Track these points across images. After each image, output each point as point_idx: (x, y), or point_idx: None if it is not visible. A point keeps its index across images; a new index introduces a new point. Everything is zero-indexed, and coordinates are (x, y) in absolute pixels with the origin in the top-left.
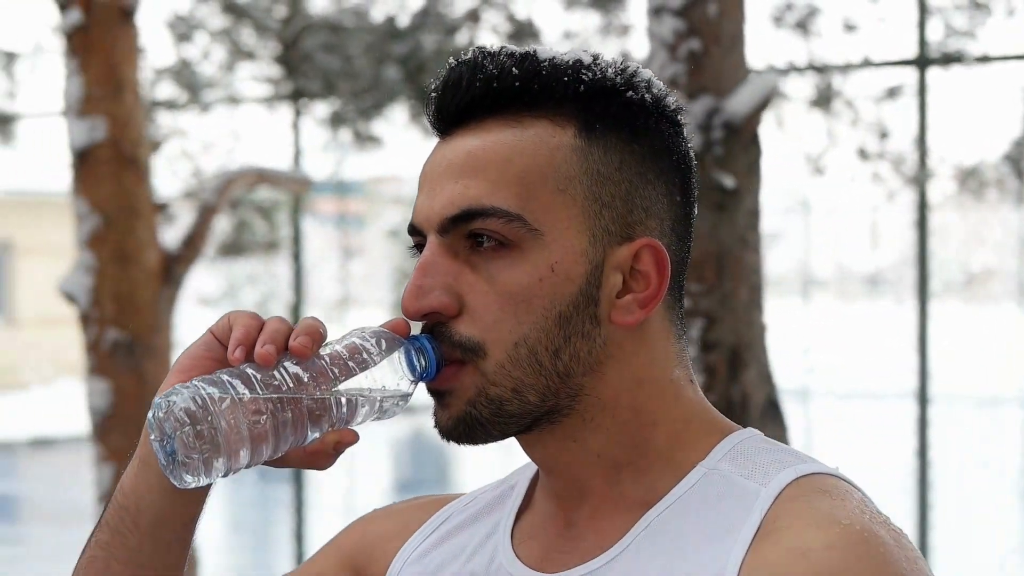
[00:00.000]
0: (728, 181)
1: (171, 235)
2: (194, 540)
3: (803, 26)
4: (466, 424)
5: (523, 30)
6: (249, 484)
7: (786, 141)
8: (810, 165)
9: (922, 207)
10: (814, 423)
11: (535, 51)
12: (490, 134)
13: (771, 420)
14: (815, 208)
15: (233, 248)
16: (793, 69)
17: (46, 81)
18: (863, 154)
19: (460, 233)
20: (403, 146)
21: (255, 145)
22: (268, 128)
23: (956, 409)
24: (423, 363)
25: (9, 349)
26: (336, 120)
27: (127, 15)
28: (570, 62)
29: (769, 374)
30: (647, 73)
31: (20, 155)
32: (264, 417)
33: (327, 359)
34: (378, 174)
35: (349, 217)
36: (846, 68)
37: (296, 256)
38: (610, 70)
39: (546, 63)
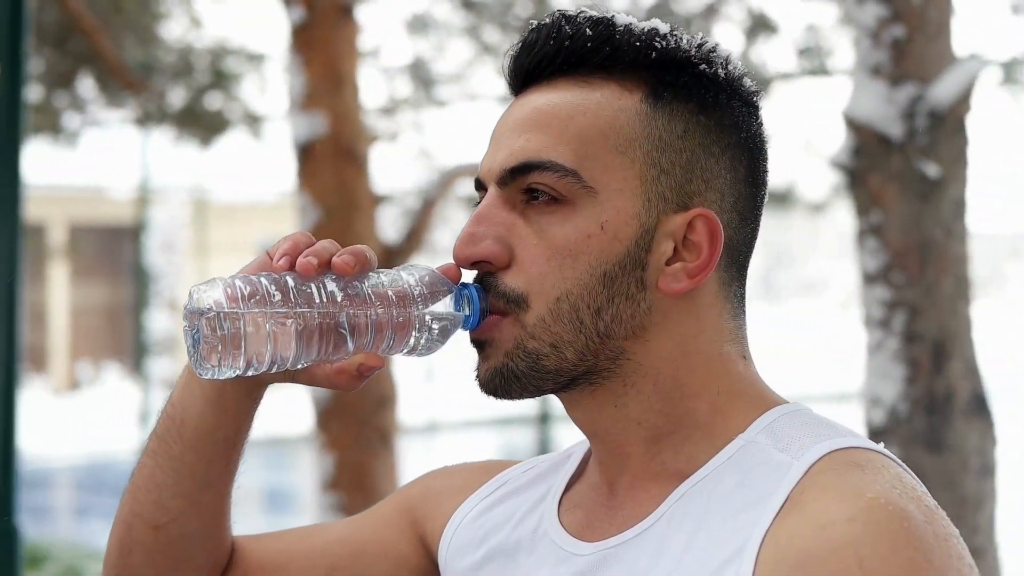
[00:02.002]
0: (932, 170)
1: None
2: (241, 462)
3: None
4: (502, 376)
5: (760, 24)
6: None
7: None
8: None
9: None
10: None
11: (613, 16)
12: (558, 92)
13: (976, 415)
14: None
15: None
16: None
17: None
18: None
19: (518, 186)
20: None
21: None
22: None
23: None
24: (467, 311)
25: None
26: None
27: (347, 12)
28: (645, 29)
29: (976, 368)
30: (726, 51)
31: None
32: (290, 322)
33: (368, 286)
34: None
35: None
36: None
37: None
38: (685, 42)
39: (621, 28)
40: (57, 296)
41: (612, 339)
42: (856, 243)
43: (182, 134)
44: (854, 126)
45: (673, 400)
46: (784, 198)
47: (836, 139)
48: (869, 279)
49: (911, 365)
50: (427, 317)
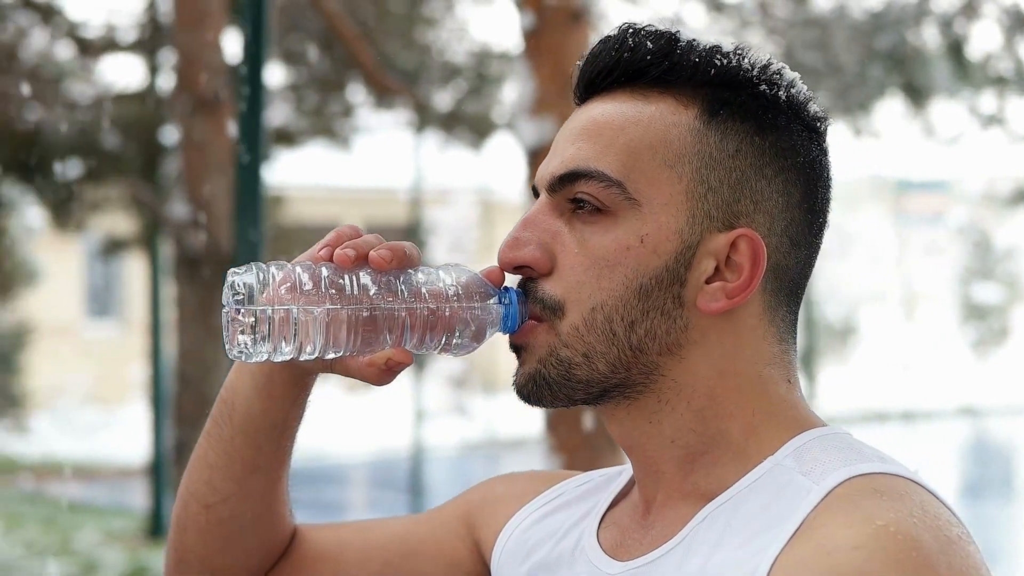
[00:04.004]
0: None
1: None
2: (292, 449)
3: None
4: (535, 383)
5: (1021, 22)
6: None
7: None
8: None
9: None
10: None
11: (678, 32)
12: (615, 104)
13: None
14: None
15: None
16: None
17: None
18: None
19: (566, 194)
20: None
21: None
22: None
23: None
24: (506, 314)
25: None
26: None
27: (577, 17)
28: (708, 46)
29: None
30: (792, 75)
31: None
32: (318, 311)
33: (403, 282)
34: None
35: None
36: None
37: None
38: (747, 61)
39: (683, 44)
40: None
41: (645, 354)
42: None
43: (450, 137)
44: None
45: (707, 420)
46: None
47: None
48: None
49: None
50: (460, 318)
